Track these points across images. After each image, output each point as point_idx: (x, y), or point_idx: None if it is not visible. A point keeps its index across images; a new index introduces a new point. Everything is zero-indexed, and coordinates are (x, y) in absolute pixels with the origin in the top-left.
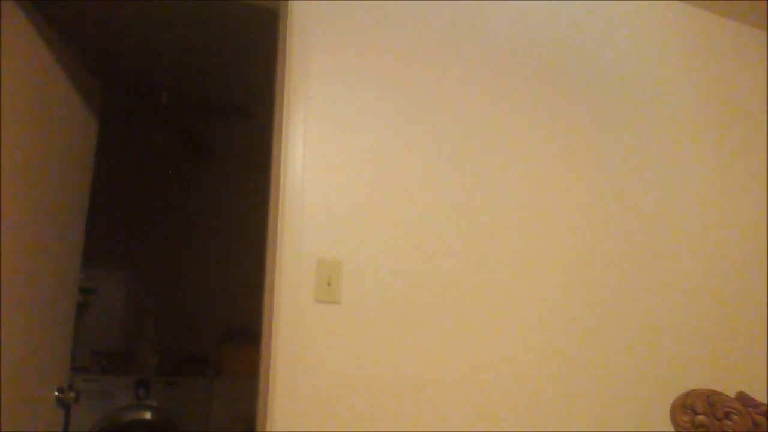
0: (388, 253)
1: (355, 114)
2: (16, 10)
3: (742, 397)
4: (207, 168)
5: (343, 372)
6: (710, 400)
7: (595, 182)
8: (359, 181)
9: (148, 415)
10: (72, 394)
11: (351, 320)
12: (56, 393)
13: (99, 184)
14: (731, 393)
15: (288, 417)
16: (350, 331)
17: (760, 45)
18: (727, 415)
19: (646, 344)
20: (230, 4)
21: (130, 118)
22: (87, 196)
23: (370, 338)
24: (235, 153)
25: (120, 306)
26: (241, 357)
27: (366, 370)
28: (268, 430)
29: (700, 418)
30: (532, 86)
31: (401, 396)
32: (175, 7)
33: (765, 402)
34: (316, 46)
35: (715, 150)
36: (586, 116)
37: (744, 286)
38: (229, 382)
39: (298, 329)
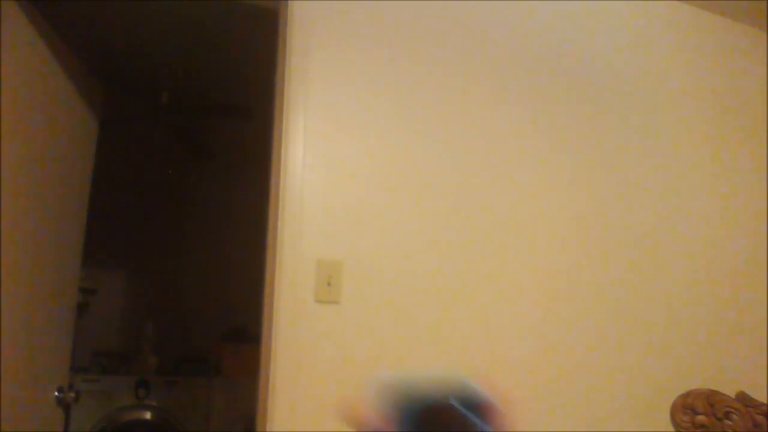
0: (388, 253)
1: (355, 114)
2: (16, 10)
3: (743, 397)
4: (207, 168)
5: (343, 372)
6: (710, 400)
7: (595, 182)
8: (359, 180)
9: (148, 415)
10: (72, 394)
11: (351, 320)
12: (56, 393)
13: (99, 184)
14: (731, 393)
15: (288, 417)
16: (350, 331)
17: (760, 45)
18: (727, 415)
19: (646, 344)
20: (230, 4)
21: (130, 118)
22: (87, 196)
23: (370, 338)
24: (235, 153)
25: (120, 306)
26: (241, 357)
27: (366, 370)
28: (268, 430)
29: (701, 418)
30: (532, 86)
31: None
32: (175, 7)
33: (765, 402)
34: (316, 45)
35: (715, 150)
36: (585, 116)
37: (744, 286)
38: (229, 382)
39: (298, 329)
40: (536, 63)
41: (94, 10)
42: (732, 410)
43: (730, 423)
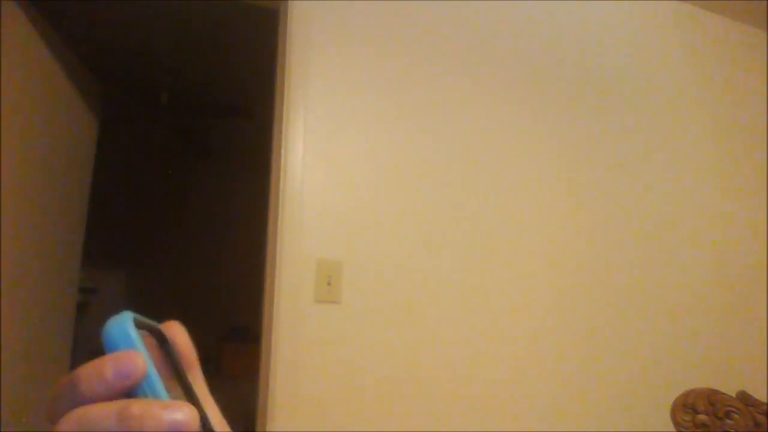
0: (388, 253)
1: (355, 114)
2: (16, 10)
3: (743, 396)
4: (207, 168)
5: (343, 371)
6: (711, 399)
7: (595, 183)
8: (359, 181)
9: None
10: None
11: (351, 320)
12: None
13: (99, 184)
14: (732, 392)
15: (288, 417)
16: (350, 331)
17: (760, 45)
18: (728, 414)
19: (646, 344)
20: (230, 4)
21: (130, 118)
22: (87, 196)
23: (370, 338)
24: (235, 153)
25: (120, 306)
26: (241, 357)
27: (366, 370)
28: (268, 430)
29: (701, 417)
30: (532, 86)
31: (401, 395)
32: (175, 7)
33: (766, 401)
34: (315, 46)
35: (715, 150)
36: (585, 116)
37: (744, 287)
38: (229, 381)
39: (298, 329)
40: (537, 63)
41: (94, 10)
42: (733, 409)
43: (731, 422)
